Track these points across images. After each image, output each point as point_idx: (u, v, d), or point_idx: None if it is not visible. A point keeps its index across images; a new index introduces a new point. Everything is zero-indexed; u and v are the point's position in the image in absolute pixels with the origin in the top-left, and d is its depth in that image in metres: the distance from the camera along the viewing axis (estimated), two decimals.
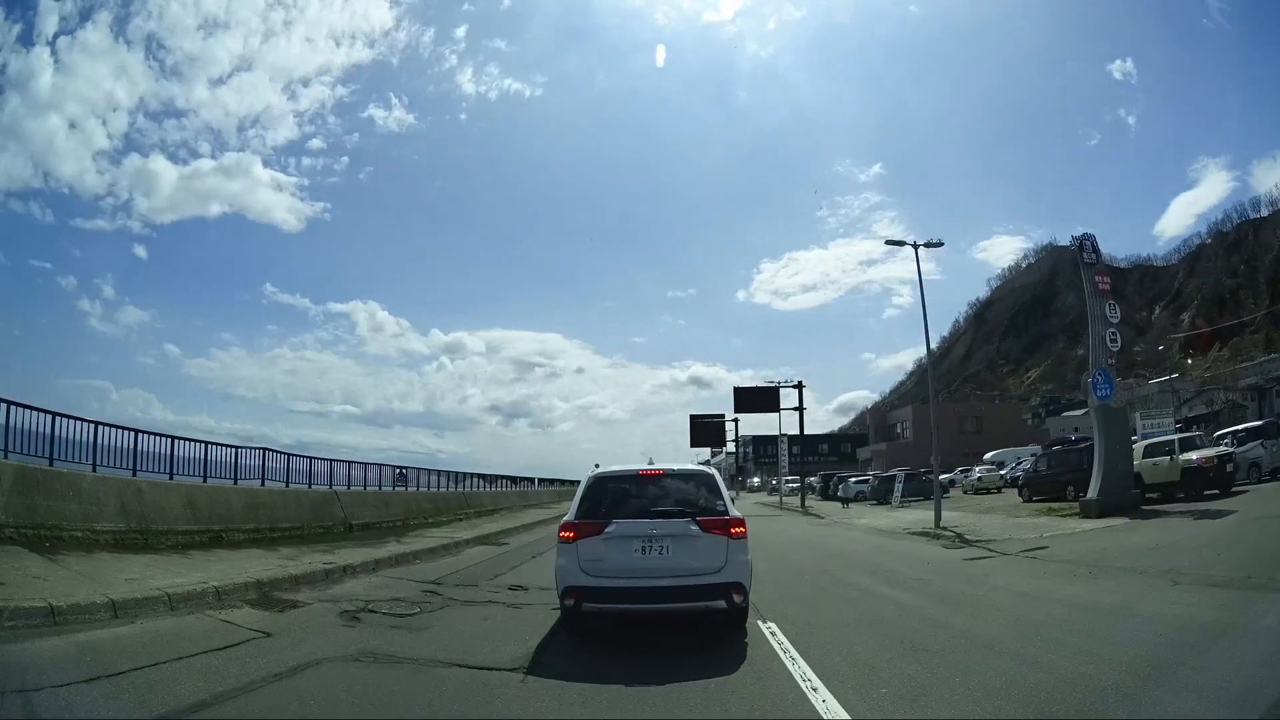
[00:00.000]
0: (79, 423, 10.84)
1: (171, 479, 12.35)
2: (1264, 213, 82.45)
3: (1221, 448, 18.38)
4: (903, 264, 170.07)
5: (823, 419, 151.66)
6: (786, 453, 46.96)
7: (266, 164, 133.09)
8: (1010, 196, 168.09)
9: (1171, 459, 17.46)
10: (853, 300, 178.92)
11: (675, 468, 7.10)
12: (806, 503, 39.29)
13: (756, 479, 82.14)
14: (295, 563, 10.13)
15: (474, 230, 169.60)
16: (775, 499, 48.02)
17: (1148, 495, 17.12)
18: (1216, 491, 16.35)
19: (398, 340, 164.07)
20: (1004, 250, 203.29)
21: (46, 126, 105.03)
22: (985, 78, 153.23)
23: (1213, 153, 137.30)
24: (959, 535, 15.82)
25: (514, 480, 39.70)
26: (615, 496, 6.55)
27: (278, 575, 8.87)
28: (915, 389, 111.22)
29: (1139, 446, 18.61)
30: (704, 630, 6.44)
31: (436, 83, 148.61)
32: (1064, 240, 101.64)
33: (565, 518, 6.57)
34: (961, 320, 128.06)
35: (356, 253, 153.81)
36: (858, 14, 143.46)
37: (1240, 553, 9.67)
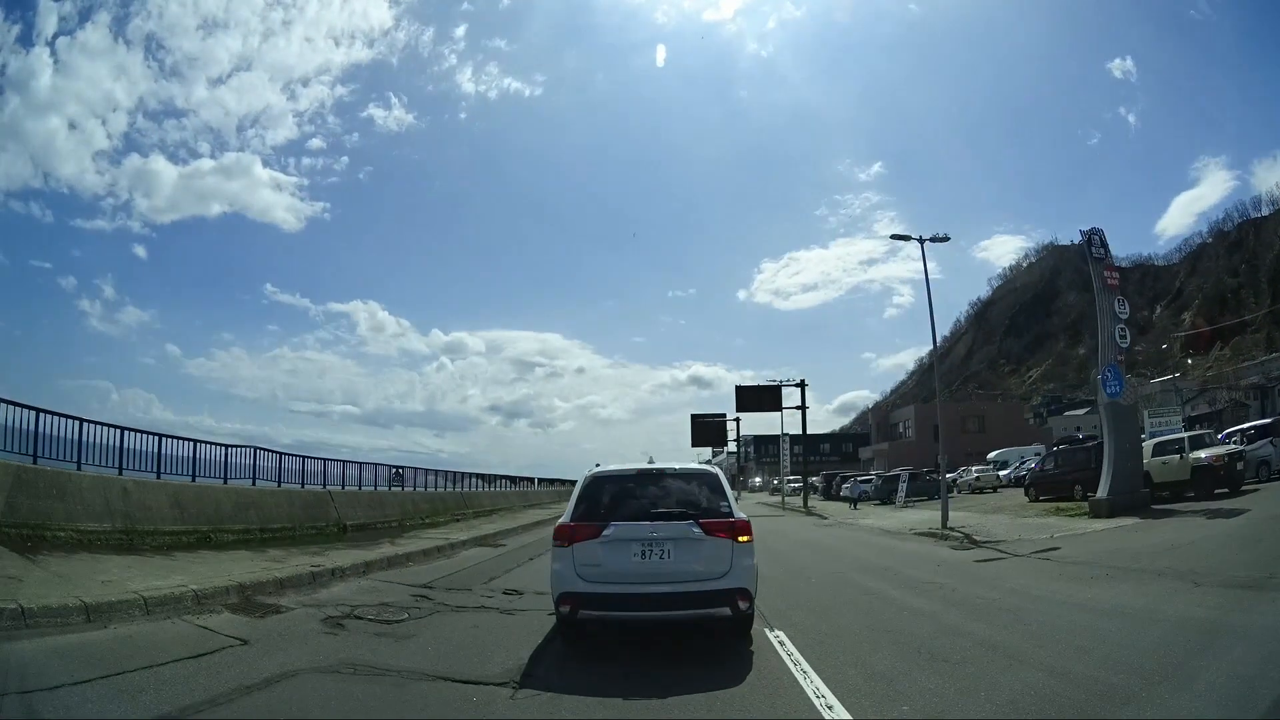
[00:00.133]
0: (64, 420, 10.60)
1: (159, 478, 12.07)
2: (1265, 212, 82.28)
3: (1231, 445, 18.11)
4: (903, 263, 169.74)
5: (823, 419, 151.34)
6: (788, 452, 46.67)
7: (266, 164, 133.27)
8: (1011, 195, 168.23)
9: (1181, 457, 17.18)
10: (853, 300, 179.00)
11: (677, 467, 6.74)
12: (809, 503, 38.95)
13: (758, 479, 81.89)
14: (282, 565, 9.80)
15: (474, 230, 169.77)
16: (777, 499, 47.71)
17: (1157, 494, 16.82)
18: (1226, 490, 16.11)
19: (398, 340, 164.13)
20: (1005, 249, 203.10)
21: (46, 127, 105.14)
22: (985, 76, 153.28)
23: (1213, 152, 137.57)
24: (967, 536, 15.52)
25: (514, 480, 39.43)
26: (614, 497, 6.19)
27: (262, 578, 8.55)
28: (916, 388, 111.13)
29: (1148, 445, 18.35)
30: (707, 640, 6.12)
31: (436, 82, 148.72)
32: (1065, 239, 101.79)
33: (561, 520, 6.20)
34: (963, 320, 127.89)
35: (356, 253, 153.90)
36: (857, 13, 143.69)
37: (1260, 552, 9.48)
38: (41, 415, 10.09)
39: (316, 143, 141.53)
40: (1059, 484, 22.07)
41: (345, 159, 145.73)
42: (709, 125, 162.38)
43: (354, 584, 9.66)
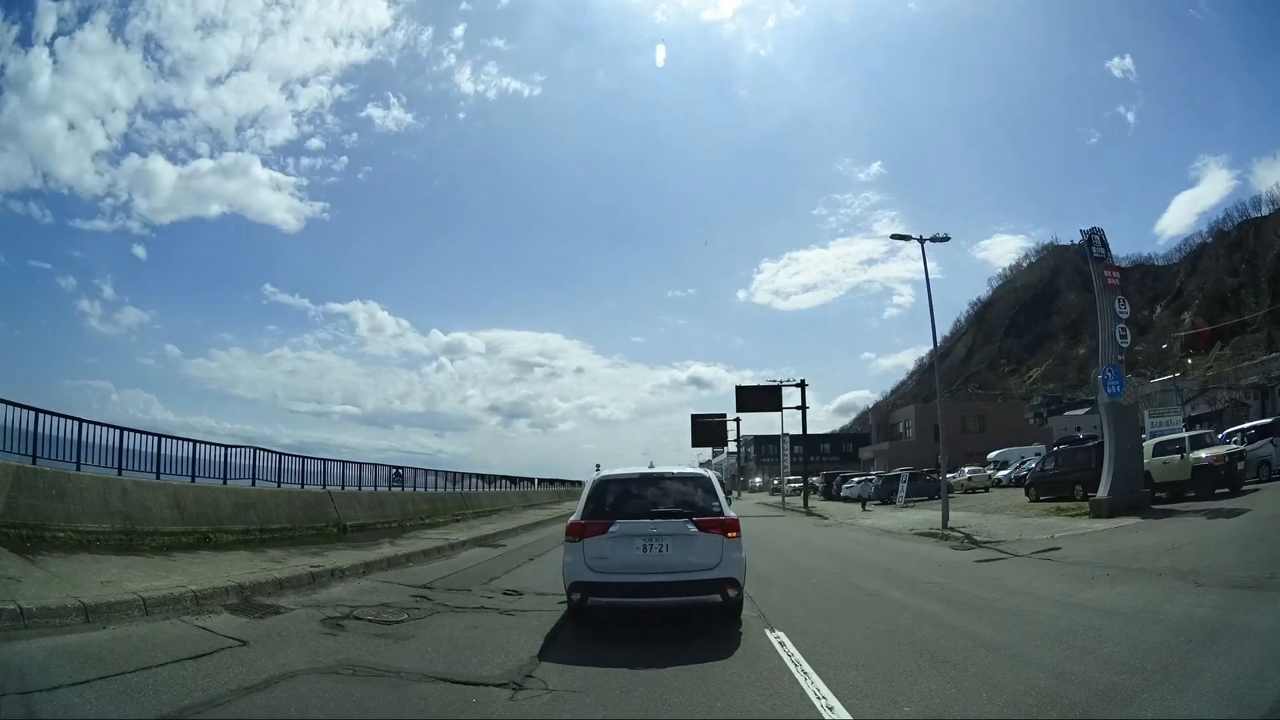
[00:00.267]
0: (64, 420, 10.58)
1: (158, 478, 12.04)
2: (1265, 212, 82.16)
3: (1231, 445, 18.10)
4: (903, 263, 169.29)
5: (822, 419, 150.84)
6: (788, 452, 46.65)
7: (265, 164, 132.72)
8: (1011, 195, 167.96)
9: (1182, 457, 17.16)
10: (853, 300, 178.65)
11: (675, 470, 7.49)
12: (810, 503, 38.92)
13: (758, 479, 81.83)
14: (281, 565, 9.78)
15: (473, 230, 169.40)
16: (777, 499, 47.67)
17: (1157, 494, 16.82)
18: (1227, 490, 16.09)
19: (397, 340, 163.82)
20: (1005, 249, 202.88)
21: (45, 127, 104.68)
22: (985, 75, 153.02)
23: (1213, 151, 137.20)
24: (968, 536, 15.51)
25: (514, 480, 39.37)
26: (618, 497, 6.94)
27: (261, 579, 8.52)
28: (916, 388, 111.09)
29: (1148, 445, 18.34)
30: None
31: (435, 82, 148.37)
32: (1065, 239, 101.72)
33: (572, 517, 6.88)
34: (963, 320, 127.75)
35: (356, 253, 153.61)
36: (857, 12, 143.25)
37: (1261, 552, 9.45)
38: (41, 415, 10.06)
39: (315, 143, 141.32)
40: (1059, 484, 22.07)
41: (344, 159, 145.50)
42: (708, 125, 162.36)
43: (353, 585, 9.63)
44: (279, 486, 15.64)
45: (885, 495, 33.75)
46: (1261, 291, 71.85)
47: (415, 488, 24.34)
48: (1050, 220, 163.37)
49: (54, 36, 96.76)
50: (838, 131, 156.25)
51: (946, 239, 22.09)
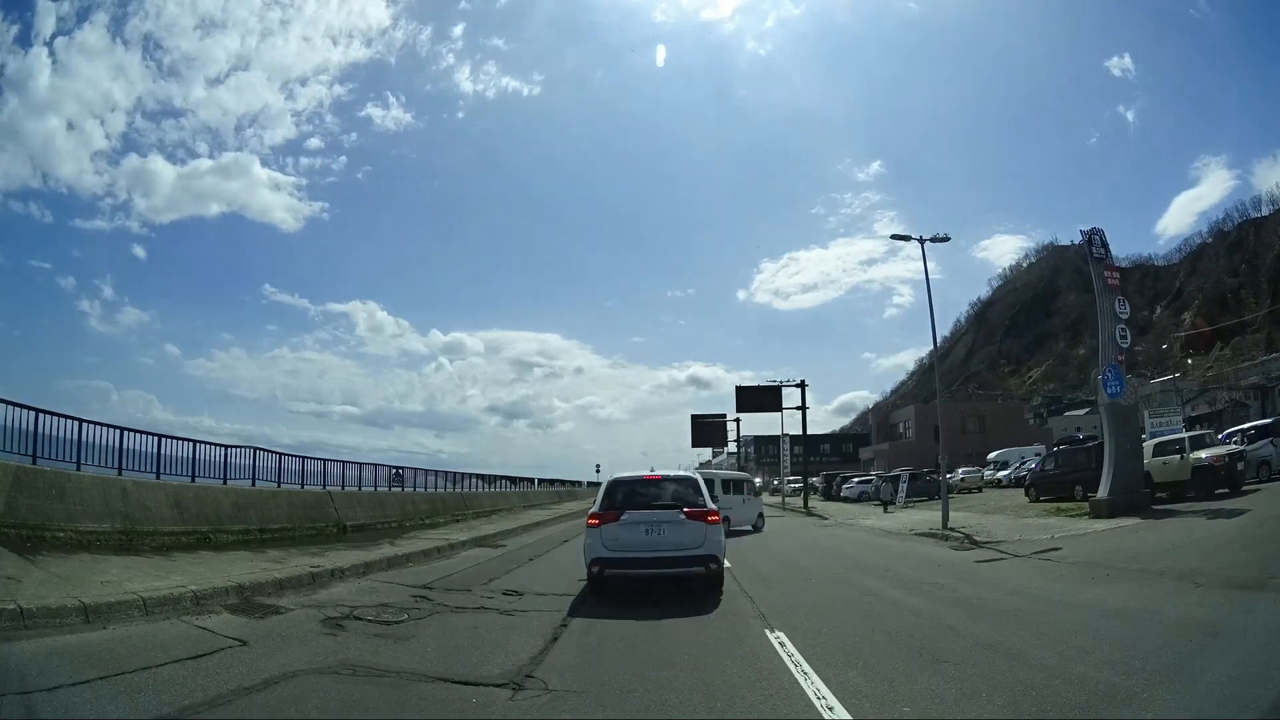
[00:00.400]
0: (64, 420, 10.57)
1: (158, 478, 12.04)
2: (1265, 212, 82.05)
3: (1232, 446, 18.08)
4: (903, 263, 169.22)
5: (822, 419, 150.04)
6: (789, 453, 46.62)
7: (264, 163, 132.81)
8: (1011, 195, 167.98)
9: (1182, 457, 17.14)
10: (853, 300, 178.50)
11: (670, 474, 9.99)
12: (810, 503, 38.91)
13: (759, 479, 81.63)
14: (281, 566, 9.78)
15: (473, 230, 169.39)
16: (777, 499, 47.63)
17: (1157, 494, 16.80)
18: (1227, 490, 16.06)
19: (397, 340, 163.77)
20: (1005, 249, 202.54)
21: (45, 127, 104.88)
22: (985, 75, 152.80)
23: (1214, 151, 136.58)
24: (968, 536, 15.49)
25: (514, 481, 39.39)
26: (626, 494, 9.01)
27: (261, 579, 8.53)
28: (916, 389, 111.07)
29: (1148, 445, 18.31)
30: (705, 646, 6.20)
31: (434, 81, 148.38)
32: (1065, 239, 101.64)
33: (591, 509, 8.99)
34: (963, 320, 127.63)
35: (355, 253, 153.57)
36: (856, 11, 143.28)
37: (1262, 553, 9.44)
38: (41, 415, 10.06)
39: (315, 142, 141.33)
40: (1059, 484, 22.05)
41: (343, 159, 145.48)
42: (708, 124, 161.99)
43: (354, 584, 9.64)
44: (279, 487, 15.63)
45: (885, 496, 33.76)
46: (1261, 292, 71.79)
47: (415, 488, 24.35)
48: (1050, 220, 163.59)
49: (53, 36, 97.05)
50: (837, 131, 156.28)
51: (946, 239, 22.08)
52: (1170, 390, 39.98)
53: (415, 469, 26.00)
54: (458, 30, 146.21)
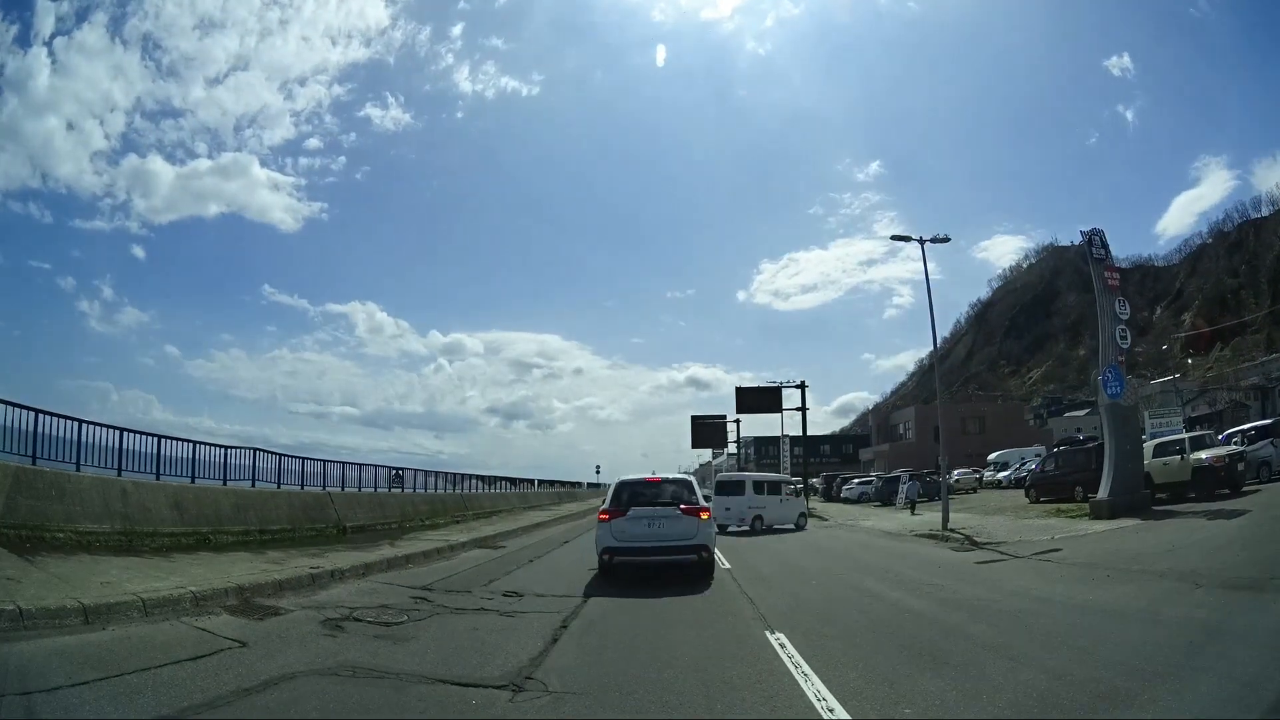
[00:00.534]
0: (63, 420, 10.57)
1: (158, 479, 12.03)
2: (1265, 212, 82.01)
3: (1232, 446, 18.08)
4: (903, 263, 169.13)
5: (822, 420, 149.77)
6: (788, 454, 46.56)
7: (264, 164, 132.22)
8: (1010, 195, 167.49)
9: (1182, 458, 17.13)
10: (853, 300, 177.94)
11: (669, 476, 11.97)
12: (810, 504, 38.88)
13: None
14: (281, 567, 9.76)
15: (472, 230, 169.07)
16: None
17: (1158, 495, 16.80)
18: (1227, 491, 16.05)
19: (396, 341, 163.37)
20: (1005, 250, 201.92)
21: (44, 127, 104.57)
22: (984, 75, 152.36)
23: (1214, 151, 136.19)
24: (968, 537, 15.50)
25: (514, 482, 39.39)
26: (631, 494, 10.70)
27: (261, 580, 8.50)
28: (916, 389, 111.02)
29: (1148, 446, 18.32)
30: (706, 647, 6.20)
31: (433, 81, 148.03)
32: (1065, 240, 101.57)
33: (601, 506, 10.84)
34: (963, 320, 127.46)
35: (354, 253, 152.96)
36: (856, 11, 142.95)
37: (1262, 553, 9.46)
38: (41, 416, 10.05)
39: (314, 142, 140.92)
40: (1059, 485, 22.05)
41: (343, 159, 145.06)
42: (708, 124, 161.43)
43: (353, 586, 9.62)
44: (279, 487, 15.63)
45: (885, 497, 33.76)
46: (1261, 292, 71.77)
47: (415, 489, 24.35)
48: (1050, 221, 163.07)
49: (52, 36, 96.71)
50: (837, 131, 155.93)
51: (946, 240, 22.12)
52: (1170, 391, 39.99)
53: (415, 470, 26.06)
54: (457, 30, 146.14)
